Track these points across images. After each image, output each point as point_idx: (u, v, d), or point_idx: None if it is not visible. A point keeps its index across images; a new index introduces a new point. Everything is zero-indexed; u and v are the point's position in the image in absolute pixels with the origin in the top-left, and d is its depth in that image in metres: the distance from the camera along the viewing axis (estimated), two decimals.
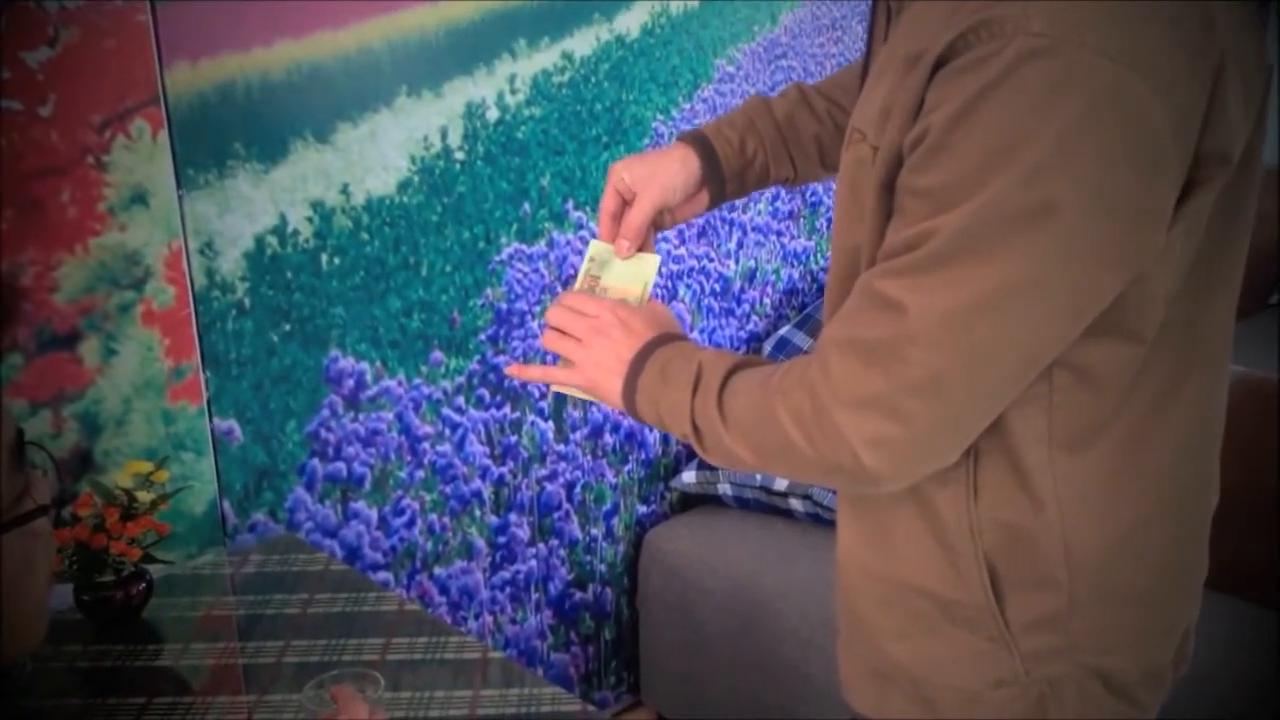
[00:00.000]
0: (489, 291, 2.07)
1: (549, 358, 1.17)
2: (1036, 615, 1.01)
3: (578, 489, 2.31)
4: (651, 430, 2.40)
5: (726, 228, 2.45)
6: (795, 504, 2.29)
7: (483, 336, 2.08)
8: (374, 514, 1.99)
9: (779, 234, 2.58)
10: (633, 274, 1.20)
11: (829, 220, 2.65)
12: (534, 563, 2.27)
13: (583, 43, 2.11)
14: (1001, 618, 1.01)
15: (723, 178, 1.25)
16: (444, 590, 2.13)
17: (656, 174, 1.21)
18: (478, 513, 2.15)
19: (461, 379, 2.07)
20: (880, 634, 1.08)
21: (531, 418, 2.19)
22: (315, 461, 1.90)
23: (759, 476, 2.32)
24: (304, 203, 1.80)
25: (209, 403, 1.76)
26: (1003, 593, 1.01)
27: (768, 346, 2.50)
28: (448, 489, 2.09)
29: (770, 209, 2.54)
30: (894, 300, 0.88)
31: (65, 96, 1.53)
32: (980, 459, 0.97)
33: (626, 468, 2.39)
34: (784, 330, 2.51)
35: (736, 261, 2.49)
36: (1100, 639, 1.02)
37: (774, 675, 2.17)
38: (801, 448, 0.94)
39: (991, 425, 0.94)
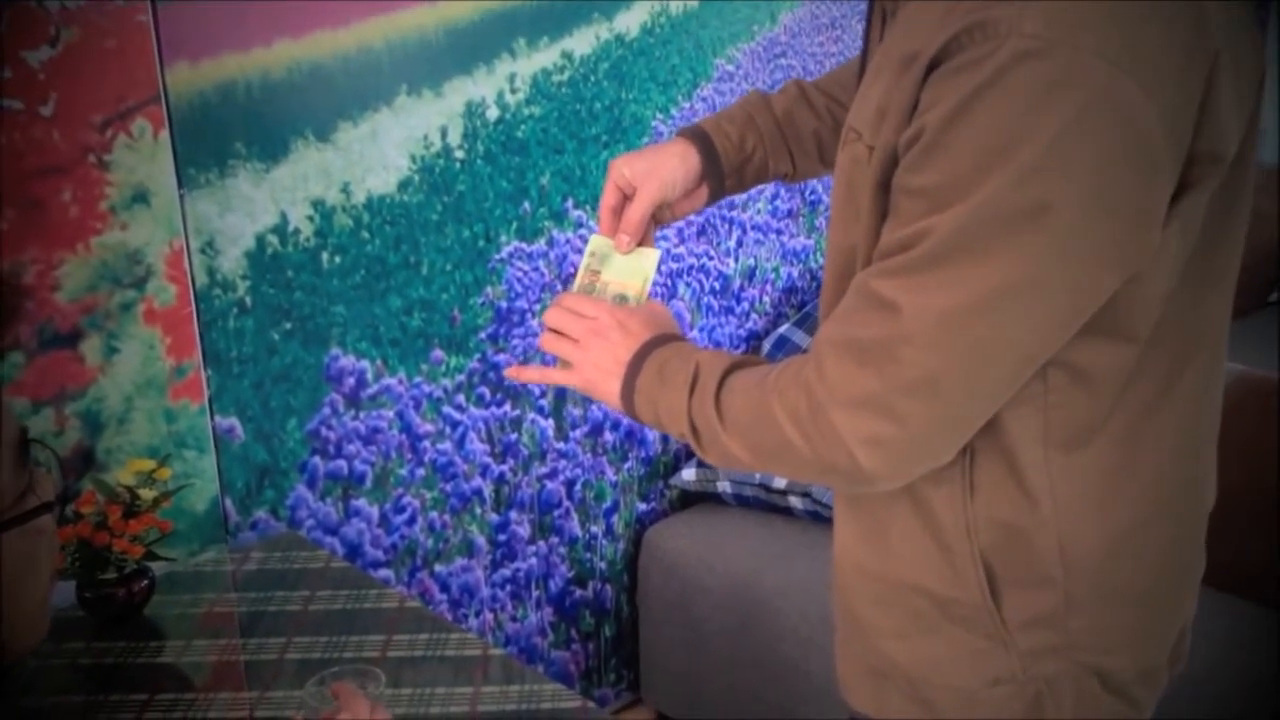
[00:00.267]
0: (489, 290, 2.08)
1: (548, 358, 1.17)
2: (1033, 614, 1.01)
3: (578, 486, 2.32)
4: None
5: (726, 226, 2.46)
6: (795, 502, 2.29)
7: (483, 335, 2.08)
8: (375, 512, 2.00)
9: (778, 232, 2.58)
10: (633, 269, 1.21)
11: (828, 219, 2.65)
12: (534, 560, 2.27)
13: (582, 42, 2.11)
14: (998, 616, 1.01)
15: (722, 173, 1.25)
16: (445, 587, 2.13)
17: (656, 169, 1.21)
18: (478, 510, 2.16)
19: (462, 377, 2.07)
20: (877, 633, 1.09)
21: (532, 415, 2.20)
22: (316, 459, 1.90)
23: (758, 474, 2.32)
24: (305, 201, 1.81)
25: (210, 401, 1.76)
26: (999, 591, 1.01)
27: (767, 344, 2.50)
28: (448, 487, 2.10)
29: (770, 207, 2.55)
30: (889, 300, 0.88)
31: (66, 96, 1.54)
32: (976, 458, 0.98)
33: (626, 465, 2.39)
34: (783, 328, 2.51)
35: (736, 260, 2.50)
36: (1097, 637, 1.02)
37: (773, 673, 2.17)
38: (798, 447, 0.94)
39: (987, 424, 0.94)
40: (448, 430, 2.07)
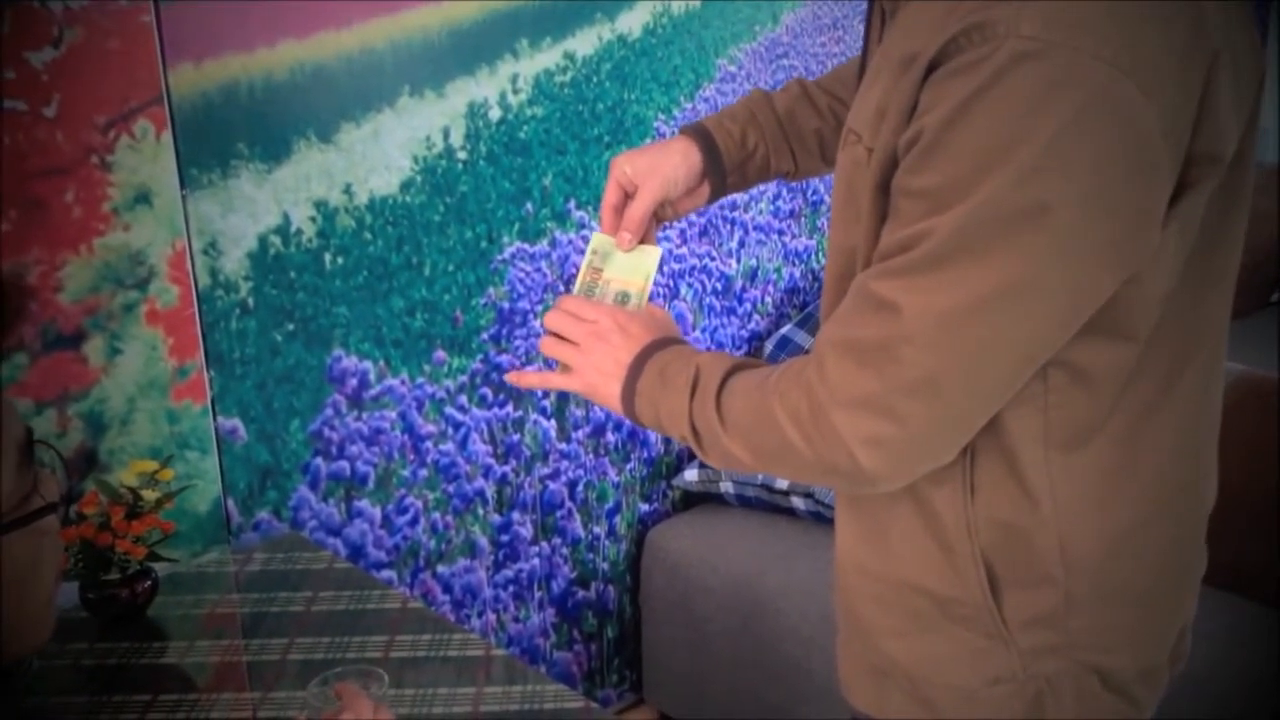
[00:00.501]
0: (491, 291, 2.08)
1: (549, 361, 1.17)
2: (1034, 613, 1.01)
3: (580, 487, 2.32)
4: None
5: (728, 226, 2.46)
6: (797, 502, 2.29)
7: (485, 335, 2.09)
8: (377, 512, 2.00)
9: (780, 233, 2.58)
10: (634, 266, 1.21)
11: (830, 219, 2.65)
12: (537, 561, 2.28)
13: (585, 42, 2.11)
14: (999, 615, 1.01)
15: (724, 170, 1.25)
16: (447, 588, 2.14)
17: (658, 166, 1.21)
18: (481, 511, 2.16)
19: (464, 378, 2.07)
20: (878, 632, 1.09)
21: (534, 416, 2.20)
22: (319, 460, 1.91)
23: (760, 475, 2.33)
24: (307, 202, 1.81)
25: (213, 402, 1.76)
26: (1000, 590, 1.01)
27: (769, 345, 2.50)
28: (451, 488, 2.10)
29: (772, 208, 2.55)
30: (889, 301, 0.88)
31: (69, 97, 1.54)
32: (976, 458, 0.98)
33: (629, 466, 2.40)
34: (785, 329, 2.51)
35: (738, 260, 2.50)
36: (1098, 636, 1.03)
37: (775, 673, 2.17)
38: (799, 448, 0.95)
39: (987, 424, 0.95)
40: (450, 431, 2.07)
